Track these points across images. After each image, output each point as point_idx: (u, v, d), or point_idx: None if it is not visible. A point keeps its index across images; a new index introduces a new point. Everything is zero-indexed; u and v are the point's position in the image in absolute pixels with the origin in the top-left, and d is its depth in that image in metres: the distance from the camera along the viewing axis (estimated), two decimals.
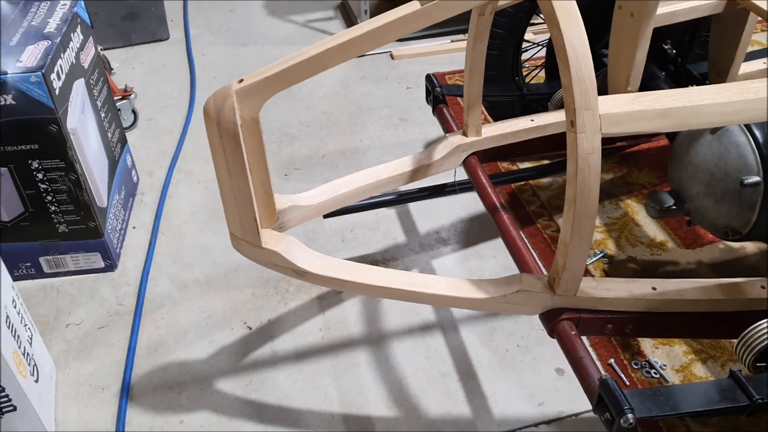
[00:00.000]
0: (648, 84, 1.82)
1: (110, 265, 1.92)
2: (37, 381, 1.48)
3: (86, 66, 1.88)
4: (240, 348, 1.71)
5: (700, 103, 1.05)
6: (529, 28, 2.05)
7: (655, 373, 1.58)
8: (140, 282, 1.89)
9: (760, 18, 1.63)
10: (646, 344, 1.65)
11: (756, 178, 1.43)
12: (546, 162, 2.16)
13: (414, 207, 2.10)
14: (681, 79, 1.94)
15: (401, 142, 2.41)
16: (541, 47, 2.30)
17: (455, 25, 2.93)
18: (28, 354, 1.47)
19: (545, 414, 1.54)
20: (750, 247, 1.87)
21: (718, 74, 1.87)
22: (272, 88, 1.14)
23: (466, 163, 1.71)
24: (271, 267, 1.30)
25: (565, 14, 1.06)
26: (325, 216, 1.63)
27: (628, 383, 1.56)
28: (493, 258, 1.93)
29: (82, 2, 1.91)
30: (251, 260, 1.31)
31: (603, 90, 1.79)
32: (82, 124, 1.79)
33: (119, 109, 2.39)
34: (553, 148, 1.82)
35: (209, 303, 1.84)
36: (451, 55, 2.90)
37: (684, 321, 1.31)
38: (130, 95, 2.48)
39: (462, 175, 1.75)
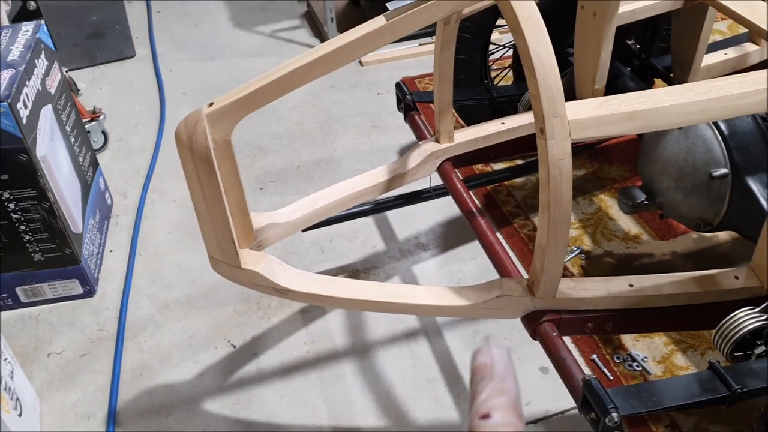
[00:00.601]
0: (614, 81, 1.85)
1: (89, 291, 1.91)
2: (20, 415, 1.47)
3: (53, 91, 1.86)
4: (225, 366, 1.71)
5: (664, 105, 1.07)
6: (495, 30, 2.07)
7: (637, 366, 1.61)
8: (120, 306, 1.88)
9: None
10: (627, 338, 1.68)
11: (724, 170, 1.46)
12: (519, 162, 2.18)
13: (391, 214, 2.11)
14: (646, 74, 1.98)
15: (375, 149, 2.41)
16: (507, 48, 2.33)
17: (422, 28, 2.94)
18: (9, 389, 1.46)
19: (532, 413, 1.55)
20: (722, 235, 1.91)
21: (682, 68, 1.90)
22: (243, 110, 1.14)
23: (440, 170, 1.72)
24: (251, 287, 1.31)
25: (529, 23, 1.07)
26: (304, 230, 1.63)
27: (611, 378, 1.58)
28: (473, 260, 1.94)
29: (45, 27, 1.90)
30: (231, 281, 1.32)
31: (570, 90, 1.82)
32: (52, 150, 1.78)
33: (89, 132, 2.37)
34: (525, 149, 1.84)
35: (191, 323, 1.83)
36: (420, 58, 2.91)
37: (662, 315, 1.34)
38: (99, 116, 2.46)
39: (437, 180, 1.77)
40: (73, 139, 1.96)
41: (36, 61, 1.78)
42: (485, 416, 0.38)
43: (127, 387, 1.68)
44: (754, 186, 1.46)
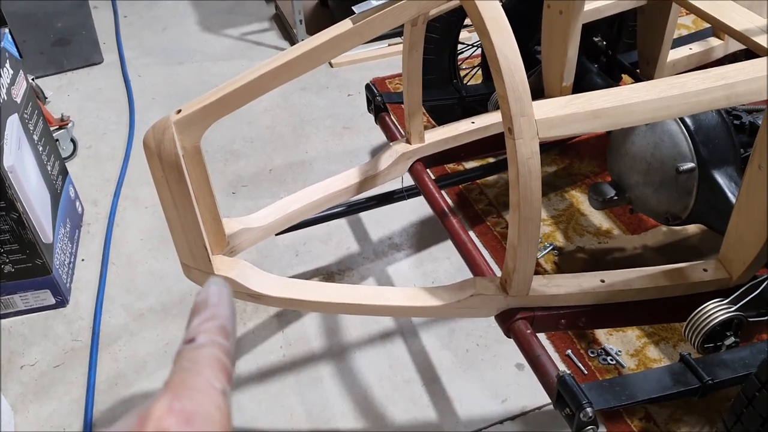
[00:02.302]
0: (582, 77, 1.87)
1: (61, 301, 1.88)
2: None
3: (18, 100, 1.83)
4: None
5: (629, 102, 1.08)
6: (463, 29, 2.08)
7: (611, 360, 1.63)
8: (94, 315, 1.86)
9: None
10: (601, 332, 1.70)
11: (690, 165, 1.49)
12: (491, 160, 2.19)
13: (365, 215, 2.11)
14: (613, 70, 2.00)
15: (347, 151, 2.41)
16: (476, 48, 2.34)
17: (391, 29, 2.94)
18: None
19: (509, 410, 1.57)
20: (692, 228, 1.93)
21: (648, 63, 1.93)
22: (211, 117, 1.14)
23: (412, 170, 1.73)
24: None
25: (495, 24, 1.08)
26: (277, 233, 1.62)
27: (586, 372, 1.60)
28: (447, 260, 1.95)
29: (9, 36, 1.87)
30: None
31: (539, 88, 1.83)
32: (20, 160, 1.75)
33: (57, 140, 2.34)
34: (495, 148, 1.85)
35: (167, 330, 1.82)
36: (390, 58, 2.92)
37: (634, 309, 1.36)
38: (67, 124, 2.43)
39: (409, 180, 1.77)
40: (40, 148, 1.94)
41: (0, 70, 1.75)
42: (190, 341, 0.37)
43: (102, 397, 1.66)
44: (721, 179, 1.49)
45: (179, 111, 1.13)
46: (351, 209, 1.86)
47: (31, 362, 1.75)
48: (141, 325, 1.84)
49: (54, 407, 1.64)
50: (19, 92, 1.85)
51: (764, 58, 1.15)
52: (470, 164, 2.24)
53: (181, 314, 1.85)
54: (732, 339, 1.28)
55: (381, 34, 1.22)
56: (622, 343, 1.67)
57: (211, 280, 0.42)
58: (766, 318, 1.30)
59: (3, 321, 1.86)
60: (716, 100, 1.11)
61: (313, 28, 3.00)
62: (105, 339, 1.80)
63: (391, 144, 1.73)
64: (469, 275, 1.40)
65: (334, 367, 1.69)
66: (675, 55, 2.03)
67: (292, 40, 3.10)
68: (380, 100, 1.88)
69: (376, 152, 2.09)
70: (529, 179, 1.10)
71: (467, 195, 2.16)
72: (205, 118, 1.13)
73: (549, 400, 1.19)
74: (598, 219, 2.02)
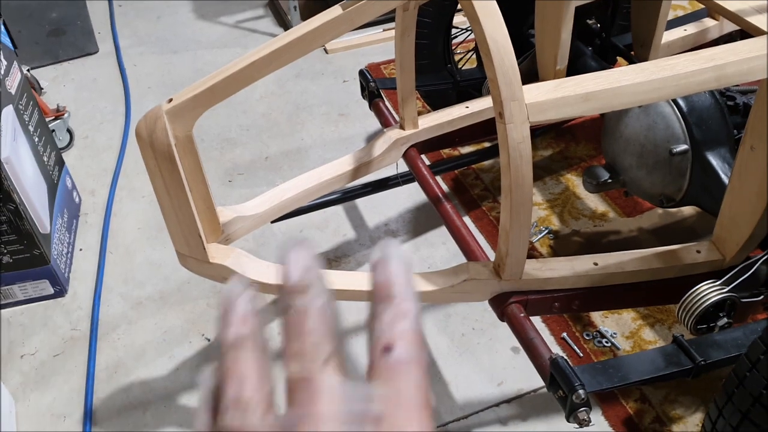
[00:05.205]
0: (575, 61, 1.86)
1: (60, 291, 1.89)
2: None
3: (13, 92, 1.83)
4: (201, 361, 1.71)
5: (619, 85, 1.09)
6: (458, 13, 2.07)
7: (606, 342, 1.64)
8: (93, 305, 1.87)
9: None
10: (596, 315, 1.70)
11: (684, 147, 1.49)
12: (486, 145, 2.19)
13: (361, 202, 2.12)
14: (607, 53, 1.99)
15: (343, 138, 2.41)
16: (470, 32, 2.33)
17: (385, 14, 2.93)
18: None
19: (505, 393, 1.58)
20: (687, 210, 1.94)
21: (642, 45, 1.92)
22: (203, 106, 1.14)
23: (406, 156, 1.73)
24: (221, 281, 1.31)
25: (485, 9, 1.08)
26: (273, 221, 1.63)
27: (581, 355, 1.61)
28: (443, 245, 1.96)
29: (2, 25, 1.87)
30: (201, 276, 1.32)
31: (533, 71, 1.83)
32: (15, 151, 1.76)
33: (53, 130, 2.34)
34: (490, 132, 1.83)
35: (165, 319, 1.83)
36: (385, 44, 2.91)
37: (627, 292, 1.37)
38: (63, 114, 2.43)
39: (404, 166, 1.78)
40: (36, 139, 1.94)
41: None
42: (387, 348, 0.32)
43: (102, 385, 1.67)
44: (714, 161, 1.49)
45: (170, 100, 1.13)
46: (346, 196, 1.87)
47: (31, 352, 1.77)
48: (139, 313, 1.85)
49: (54, 396, 1.66)
50: (13, 83, 1.85)
51: (755, 39, 1.15)
52: (466, 149, 2.24)
53: (179, 302, 1.86)
54: (725, 320, 1.28)
55: (373, 20, 1.22)
56: (618, 326, 1.68)
57: (388, 252, 0.34)
58: (758, 299, 1.31)
59: (2, 311, 1.87)
60: (706, 81, 1.11)
61: (307, 14, 2.98)
62: (104, 328, 1.81)
63: (385, 130, 1.73)
64: (465, 261, 1.41)
65: None
66: (670, 36, 2.02)
67: (287, 27, 3.08)
68: (374, 86, 1.88)
69: (372, 139, 2.09)
70: (520, 164, 1.10)
71: (463, 180, 2.16)
72: (197, 107, 1.13)
73: (544, 383, 1.20)
74: (594, 202, 2.02)
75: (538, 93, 1.09)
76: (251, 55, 1.14)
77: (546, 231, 1.93)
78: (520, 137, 1.08)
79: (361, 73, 1.92)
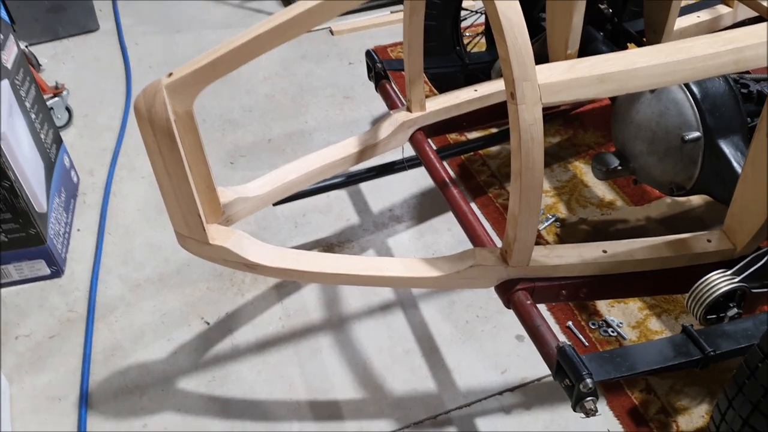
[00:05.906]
0: (586, 46, 1.82)
1: (57, 271, 1.87)
2: None
3: (9, 66, 1.80)
4: (200, 344, 1.69)
5: (634, 67, 1.05)
6: None
7: (612, 332, 1.61)
8: (90, 286, 1.84)
9: None
10: (602, 304, 1.68)
11: (696, 134, 1.45)
12: (494, 130, 2.16)
13: (365, 186, 2.09)
14: (619, 38, 1.95)
15: (348, 121, 2.38)
16: (480, 14, 2.29)
17: None
18: None
19: (509, 381, 1.55)
20: (696, 199, 1.91)
21: (654, 31, 1.88)
22: (203, 81, 1.10)
23: (412, 139, 1.70)
24: (221, 263, 1.28)
25: None
26: (275, 204, 1.60)
27: (587, 344, 1.58)
28: (448, 231, 1.93)
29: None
30: (200, 257, 1.29)
31: (543, 56, 1.79)
32: (11, 127, 1.72)
33: (51, 108, 2.31)
34: (498, 117, 1.81)
35: (164, 301, 1.80)
36: (391, 26, 2.87)
37: (636, 280, 1.34)
38: (61, 92, 2.39)
39: (410, 151, 1.74)
40: (33, 116, 1.91)
41: None
42: None
43: (98, 368, 1.65)
44: (727, 149, 1.46)
45: (171, 74, 1.09)
46: (350, 180, 1.84)
47: (27, 333, 1.74)
48: (138, 295, 1.82)
49: (50, 378, 1.63)
50: (9, 57, 1.81)
51: None
52: (473, 135, 2.21)
53: (178, 284, 1.83)
54: (735, 310, 1.26)
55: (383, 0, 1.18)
56: (624, 315, 1.65)
57: None
58: None
59: None
60: (724, 64, 1.08)
61: None
62: (101, 310, 1.79)
63: (391, 112, 1.70)
64: (470, 247, 1.37)
65: (334, 338, 1.67)
66: (682, 22, 1.98)
67: None
68: (381, 67, 1.84)
69: (378, 121, 2.06)
70: (532, 146, 1.07)
71: (469, 166, 2.13)
72: (198, 82, 1.10)
73: (549, 372, 1.17)
74: (602, 190, 1.99)
75: (551, 73, 1.05)
76: (255, 28, 1.10)
77: (553, 219, 1.90)
78: (532, 119, 1.05)
79: (368, 53, 1.88)
